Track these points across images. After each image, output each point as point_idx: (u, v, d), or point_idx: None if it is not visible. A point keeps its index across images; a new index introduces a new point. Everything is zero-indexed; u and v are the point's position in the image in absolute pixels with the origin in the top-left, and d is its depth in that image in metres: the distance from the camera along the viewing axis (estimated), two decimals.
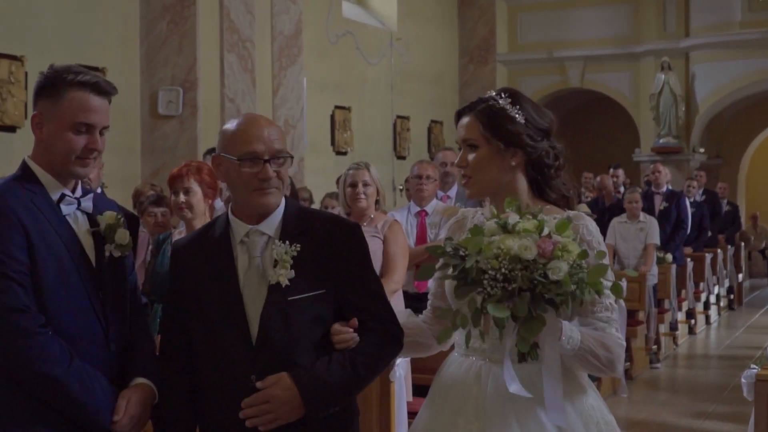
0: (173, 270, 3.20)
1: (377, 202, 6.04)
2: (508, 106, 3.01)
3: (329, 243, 2.98)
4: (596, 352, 2.86)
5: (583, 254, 2.72)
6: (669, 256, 11.53)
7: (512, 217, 2.77)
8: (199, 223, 5.09)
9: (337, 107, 14.98)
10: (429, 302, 3.30)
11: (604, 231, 10.91)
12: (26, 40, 9.76)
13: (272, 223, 3.02)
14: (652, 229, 10.75)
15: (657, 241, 10.81)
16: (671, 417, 8.38)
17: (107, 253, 3.14)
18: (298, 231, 2.99)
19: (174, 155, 10.82)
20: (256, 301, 2.96)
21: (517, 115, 3.01)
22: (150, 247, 5.65)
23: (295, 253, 2.93)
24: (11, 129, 9.56)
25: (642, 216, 10.86)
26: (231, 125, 3.06)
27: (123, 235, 3.15)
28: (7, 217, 2.98)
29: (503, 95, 3.05)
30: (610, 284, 2.86)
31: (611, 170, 14.28)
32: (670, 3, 18.01)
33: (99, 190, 5.60)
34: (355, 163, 6.19)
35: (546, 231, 2.73)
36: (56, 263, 3.02)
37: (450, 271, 2.79)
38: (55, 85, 3.06)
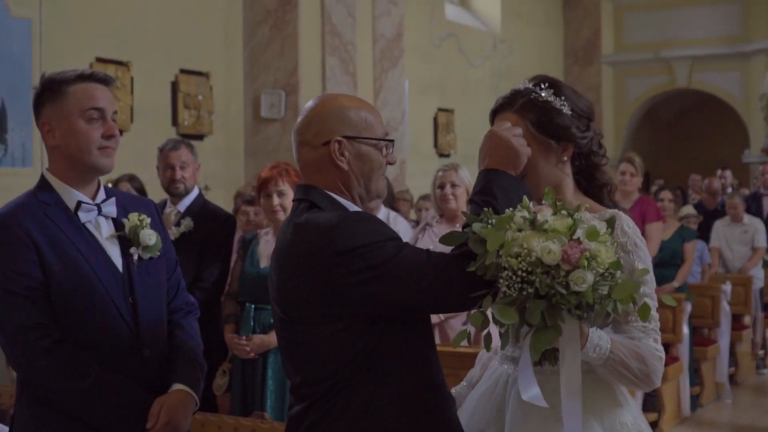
0: None
1: None
2: (552, 98, 2.74)
3: None
4: (628, 364, 2.59)
5: (616, 264, 2.41)
6: None
7: (544, 213, 2.47)
8: None
9: (440, 109, 15.00)
10: None
11: (709, 234, 10.72)
12: (131, 46, 10.00)
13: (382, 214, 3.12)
14: (758, 232, 10.50)
15: (764, 243, 10.56)
16: None
17: (135, 256, 3.09)
18: None
19: (276, 158, 10.87)
20: None
21: (563, 107, 2.74)
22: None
23: None
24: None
25: (746, 218, 10.62)
26: (355, 109, 2.71)
27: (148, 237, 3.09)
28: (16, 234, 2.93)
29: (543, 85, 2.76)
30: (648, 299, 2.56)
31: (719, 172, 14.00)
32: None
33: (197, 192, 5.68)
34: (445, 164, 6.18)
35: (579, 233, 2.42)
36: (74, 274, 2.96)
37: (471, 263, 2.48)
38: (53, 88, 3.02)
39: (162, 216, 3.48)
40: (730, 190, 13.61)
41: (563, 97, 2.75)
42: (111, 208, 3.10)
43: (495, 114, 2.82)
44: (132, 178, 7.64)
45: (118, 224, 3.11)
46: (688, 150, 18.47)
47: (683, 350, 8.28)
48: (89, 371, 2.94)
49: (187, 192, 5.59)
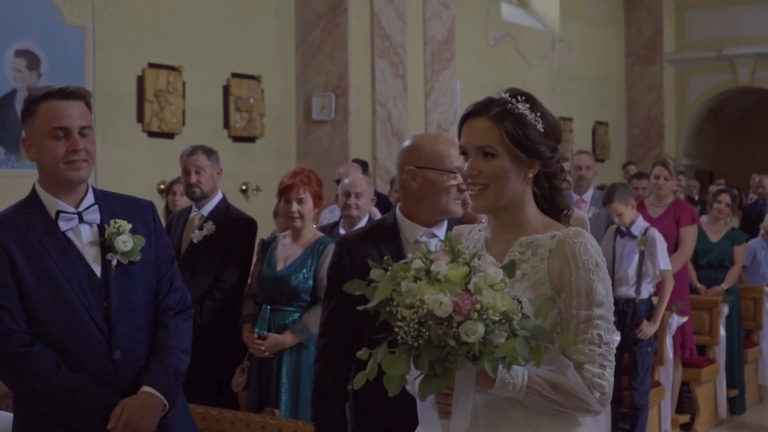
0: (344, 261, 3.46)
1: None
2: (527, 112, 2.68)
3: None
4: (549, 397, 2.52)
5: (512, 311, 2.39)
6: None
7: (440, 262, 2.45)
8: (307, 230, 5.32)
9: None
10: None
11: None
12: (183, 51, 10.24)
13: (444, 229, 3.47)
14: None
15: None
16: None
17: (113, 262, 3.22)
18: None
19: (327, 159, 11.14)
20: None
21: (537, 123, 2.68)
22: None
23: None
24: (170, 136, 10.04)
25: None
26: (428, 142, 3.57)
27: (122, 243, 3.20)
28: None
29: (520, 98, 2.70)
30: (603, 322, 2.59)
31: None
32: None
33: (220, 197, 5.86)
34: None
35: (473, 283, 2.41)
36: (45, 282, 3.15)
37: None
38: (28, 107, 3.22)
39: (158, 218, 3.53)
40: None
41: (539, 114, 2.70)
42: (93, 215, 3.25)
43: (465, 119, 2.74)
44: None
45: (103, 230, 3.27)
46: (751, 149, 18.27)
47: (720, 353, 8.28)
48: (53, 374, 3.11)
49: (204, 196, 5.77)
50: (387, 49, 11.67)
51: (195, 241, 5.67)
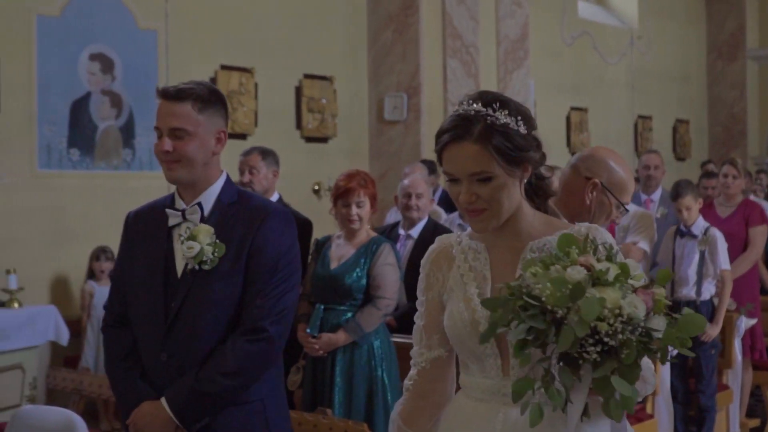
0: None
1: None
2: (508, 119, 2.49)
3: None
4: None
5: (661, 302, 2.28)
6: None
7: (592, 262, 2.29)
8: (361, 231, 5.36)
9: (572, 108, 14.95)
10: (423, 348, 2.73)
11: None
12: (255, 53, 10.37)
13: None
14: None
15: None
16: None
17: (189, 266, 3.26)
18: None
19: (399, 159, 11.18)
20: None
21: (519, 127, 2.51)
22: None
23: None
24: (242, 136, 10.17)
25: None
26: (621, 171, 3.53)
27: (189, 247, 3.22)
28: (124, 231, 3.44)
29: (495, 106, 2.50)
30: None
31: None
32: None
33: (275, 197, 5.94)
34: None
35: (637, 278, 2.29)
36: (136, 271, 3.33)
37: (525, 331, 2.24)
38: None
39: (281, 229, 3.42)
40: None
41: (518, 117, 2.52)
42: (194, 215, 3.30)
43: (444, 146, 2.53)
44: None
45: None
46: None
47: None
48: (116, 358, 3.35)
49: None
50: (459, 49, 11.67)
51: None
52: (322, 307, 5.32)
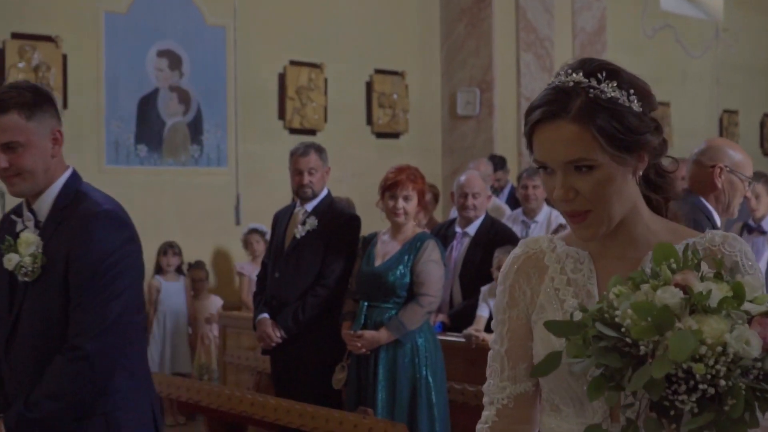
0: None
1: None
2: (616, 93, 1.94)
3: None
4: None
5: None
6: None
7: (691, 280, 1.75)
8: (407, 227, 5.28)
9: None
10: (506, 381, 2.16)
11: None
12: (325, 48, 10.34)
13: None
14: None
15: None
16: None
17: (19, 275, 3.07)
18: None
19: (471, 155, 11.04)
20: None
21: (632, 103, 1.95)
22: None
23: None
24: (311, 132, 10.15)
25: None
26: (737, 152, 4.23)
27: (10, 259, 3.05)
28: None
29: (601, 76, 1.96)
30: None
31: None
32: None
33: (325, 193, 5.84)
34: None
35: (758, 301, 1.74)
36: (1, 281, 3.14)
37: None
38: None
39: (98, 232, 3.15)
40: None
41: (631, 90, 1.96)
42: (30, 223, 3.13)
43: (535, 126, 2.00)
44: None
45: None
46: None
47: None
48: None
49: (315, 196, 5.77)
50: (533, 42, 11.50)
51: (298, 236, 5.68)
52: (366, 304, 5.25)
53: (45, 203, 3.11)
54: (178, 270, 8.77)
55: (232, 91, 9.61)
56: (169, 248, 8.68)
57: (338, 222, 5.71)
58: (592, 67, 1.98)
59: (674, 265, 1.78)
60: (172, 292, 8.66)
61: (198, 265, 8.91)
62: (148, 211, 8.95)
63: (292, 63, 10.13)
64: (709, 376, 1.64)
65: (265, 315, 5.68)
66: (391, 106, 11.00)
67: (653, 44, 14.56)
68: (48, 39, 8.51)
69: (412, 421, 4.92)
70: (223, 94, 9.55)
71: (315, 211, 5.72)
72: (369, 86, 10.85)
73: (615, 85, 1.95)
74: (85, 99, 8.66)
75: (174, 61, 9.20)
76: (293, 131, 10.08)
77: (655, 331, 1.68)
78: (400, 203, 5.25)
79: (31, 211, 3.12)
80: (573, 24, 12.14)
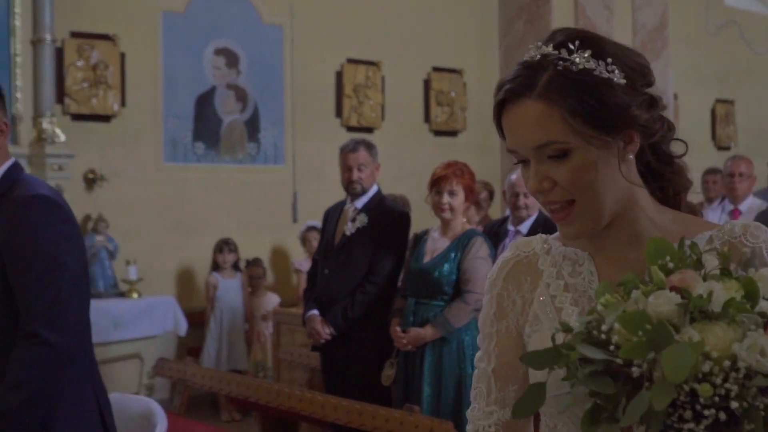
0: None
1: None
2: (591, 63, 1.64)
3: None
4: None
5: None
6: None
7: (692, 280, 1.43)
8: (456, 223, 5.24)
9: (717, 100, 14.43)
10: (492, 406, 1.82)
11: None
12: (382, 46, 10.34)
13: None
14: None
15: None
16: None
17: None
18: None
19: None
20: None
21: (612, 74, 1.65)
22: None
23: None
24: (369, 130, 10.16)
25: None
26: None
27: None
28: None
29: (572, 45, 1.65)
30: None
31: None
32: None
33: (375, 190, 5.82)
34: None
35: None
36: None
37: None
38: None
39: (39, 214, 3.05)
40: None
41: (609, 59, 1.65)
42: None
43: (502, 106, 1.70)
44: None
45: None
46: None
47: None
48: None
49: (365, 192, 5.76)
50: None
51: (348, 233, 5.68)
52: (414, 301, 5.22)
53: None
54: (235, 267, 8.82)
55: (289, 88, 9.64)
56: (224, 245, 8.72)
57: (388, 219, 5.70)
58: (562, 37, 1.68)
59: (671, 264, 1.46)
60: (229, 289, 8.70)
61: (255, 263, 8.95)
62: (204, 209, 9.03)
63: (349, 61, 10.15)
64: (717, 398, 1.31)
65: (315, 311, 5.69)
66: (449, 104, 10.97)
67: (717, 41, 14.35)
68: (106, 38, 8.60)
69: (458, 418, 4.88)
70: (280, 91, 9.59)
71: (365, 208, 5.71)
72: (426, 84, 10.83)
73: (589, 54, 1.65)
74: (143, 97, 8.74)
75: (231, 59, 9.26)
76: (350, 129, 10.10)
77: (647, 348, 1.34)
78: (445, 198, 5.22)
79: None
80: (633, 20, 11.98)
